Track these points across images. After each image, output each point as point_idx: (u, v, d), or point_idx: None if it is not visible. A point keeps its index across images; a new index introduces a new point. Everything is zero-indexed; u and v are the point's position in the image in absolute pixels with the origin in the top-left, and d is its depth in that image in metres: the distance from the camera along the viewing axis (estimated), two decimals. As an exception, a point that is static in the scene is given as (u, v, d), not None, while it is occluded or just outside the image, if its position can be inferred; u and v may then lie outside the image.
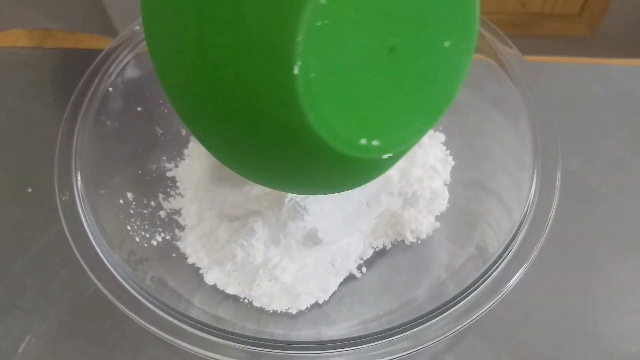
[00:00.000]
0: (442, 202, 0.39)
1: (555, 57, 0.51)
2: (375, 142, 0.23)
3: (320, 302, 0.36)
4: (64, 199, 0.33)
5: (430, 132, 0.42)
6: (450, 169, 0.40)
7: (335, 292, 0.37)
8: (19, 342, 0.37)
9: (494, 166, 0.37)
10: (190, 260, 0.37)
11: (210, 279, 0.36)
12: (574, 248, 0.40)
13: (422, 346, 0.27)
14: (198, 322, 0.29)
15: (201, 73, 0.22)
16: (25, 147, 0.47)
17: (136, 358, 0.36)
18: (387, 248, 0.39)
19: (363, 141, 0.23)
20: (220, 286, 0.36)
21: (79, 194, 0.32)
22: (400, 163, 0.38)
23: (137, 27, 0.39)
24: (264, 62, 0.21)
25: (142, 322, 0.29)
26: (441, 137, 0.41)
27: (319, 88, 0.21)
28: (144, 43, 0.38)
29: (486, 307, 0.28)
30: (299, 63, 0.20)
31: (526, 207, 0.30)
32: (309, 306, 0.36)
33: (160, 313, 0.29)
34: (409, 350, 0.27)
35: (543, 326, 0.37)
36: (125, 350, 0.37)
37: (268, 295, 0.35)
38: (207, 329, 0.29)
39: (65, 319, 0.38)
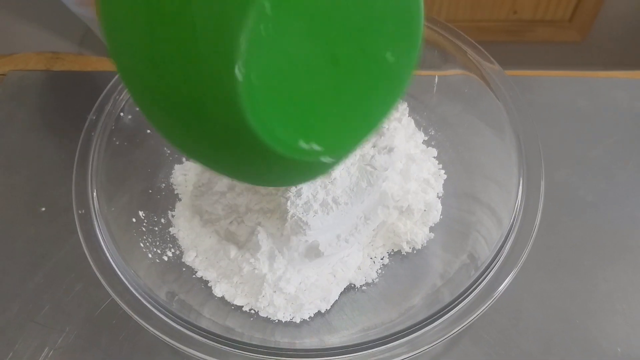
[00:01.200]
0: (436, 214, 0.41)
1: (541, 71, 0.53)
2: (315, 146, 0.24)
3: (323, 311, 0.38)
4: (80, 212, 0.35)
5: (423, 146, 0.44)
6: (442, 182, 0.42)
7: (336, 302, 0.39)
8: (37, 355, 0.39)
9: (483, 177, 0.39)
10: (199, 274, 0.39)
11: (218, 291, 0.38)
12: (563, 255, 0.42)
13: (418, 351, 0.29)
14: (208, 331, 0.31)
15: (151, 64, 0.23)
16: (37, 167, 0.49)
17: (150, 367, 0.38)
18: (385, 259, 0.41)
19: (303, 144, 0.24)
20: (228, 298, 0.38)
21: (95, 211, 0.34)
22: (396, 177, 0.40)
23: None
24: (209, 61, 0.21)
25: (156, 332, 0.31)
26: (434, 151, 0.44)
27: (260, 91, 0.22)
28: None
29: (479, 312, 0.30)
30: (240, 67, 0.20)
31: (513, 215, 0.33)
32: (312, 315, 0.38)
33: (173, 324, 0.31)
34: (406, 354, 0.29)
35: (533, 330, 0.39)
36: (138, 356, 0.39)
37: (273, 305, 0.37)
38: (217, 338, 0.31)
39: (81, 331, 0.40)
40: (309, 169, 0.28)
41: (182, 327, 0.32)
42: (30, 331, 0.40)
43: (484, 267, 0.31)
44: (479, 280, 0.31)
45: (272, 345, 0.31)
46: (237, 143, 0.24)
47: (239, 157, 0.26)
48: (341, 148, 0.27)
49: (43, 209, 0.46)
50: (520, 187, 0.34)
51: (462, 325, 0.30)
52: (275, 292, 0.37)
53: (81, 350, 0.39)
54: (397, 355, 0.29)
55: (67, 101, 0.53)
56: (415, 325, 0.30)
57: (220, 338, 0.32)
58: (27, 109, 0.52)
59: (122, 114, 0.40)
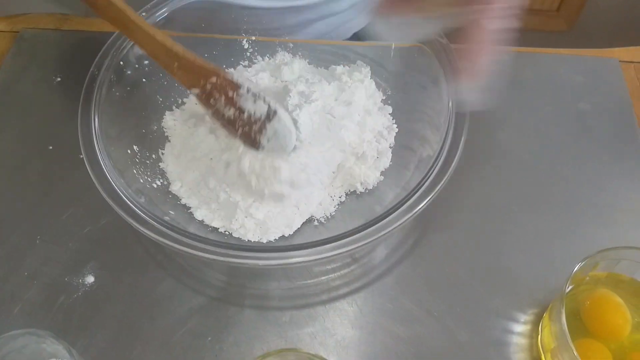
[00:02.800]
0: (386, 161, 0.48)
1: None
2: None
3: (287, 235, 0.45)
4: (84, 138, 0.41)
5: (381, 104, 0.51)
6: (394, 134, 0.49)
7: (298, 229, 0.46)
8: (43, 266, 0.46)
9: (425, 123, 0.47)
10: (183, 201, 0.46)
11: (199, 215, 0.45)
12: (495, 200, 0.49)
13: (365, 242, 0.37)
14: (193, 234, 0.38)
15: None
16: (46, 113, 0.56)
17: (141, 275, 0.46)
18: (342, 197, 0.48)
19: None
20: (206, 221, 0.45)
21: (96, 137, 0.41)
22: (354, 128, 0.47)
23: (144, 14, 0.48)
24: None
25: (150, 233, 0.38)
26: (389, 109, 0.50)
27: None
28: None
29: (401, 222, 0.37)
30: None
31: (440, 147, 0.40)
32: (277, 238, 0.45)
33: (164, 229, 0.38)
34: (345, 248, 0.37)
35: (464, 259, 0.46)
36: (130, 270, 0.46)
37: (244, 228, 0.44)
38: (200, 237, 0.38)
39: (81, 247, 0.47)
40: None
41: (172, 231, 0.38)
42: (38, 247, 0.47)
43: (412, 187, 0.39)
44: (408, 197, 0.38)
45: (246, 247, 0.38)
46: None
47: None
48: None
49: (50, 147, 0.53)
50: (449, 130, 0.41)
51: (387, 231, 0.37)
52: (246, 217, 0.44)
53: (81, 263, 0.46)
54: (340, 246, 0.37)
55: (74, 56, 0.59)
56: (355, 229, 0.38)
57: (202, 240, 0.38)
58: (39, 63, 0.59)
59: (121, 62, 0.46)
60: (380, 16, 0.37)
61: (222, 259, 0.36)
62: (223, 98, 0.42)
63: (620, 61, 0.58)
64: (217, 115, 0.44)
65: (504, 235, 0.48)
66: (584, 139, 0.53)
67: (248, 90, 0.42)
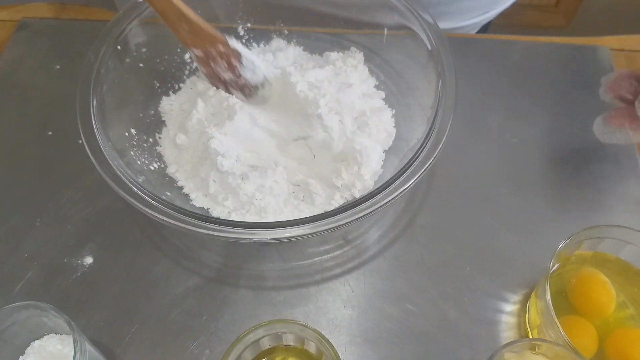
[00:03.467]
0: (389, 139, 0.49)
1: (480, 35, 0.61)
2: None
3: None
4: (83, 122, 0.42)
5: (374, 90, 0.52)
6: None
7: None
8: (42, 248, 0.47)
9: (415, 108, 0.48)
10: (179, 184, 0.47)
11: (194, 197, 0.46)
12: (486, 184, 0.50)
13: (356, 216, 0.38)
14: (193, 212, 0.39)
15: None
16: (46, 99, 0.57)
17: (139, 256, 0.47)
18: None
19: None
20: (202, 205, 0.46)
21: (95, 121, 0.42)
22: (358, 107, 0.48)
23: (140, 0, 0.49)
24: None
25: (151, 212, 0.39)
26: (382, 94, 0.51)
27: None
28: (147, 12, 0.48)
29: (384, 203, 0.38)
30: None
31: (430, 126, 0.41)
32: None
33: (164, 208, 0.39)
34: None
35: (454, 241, 0.47)
36: (127, 252, 0.47)
37: (242, 211, 0.45)
38: (201, 216, 0.39)
39: (80, 229, 0.48)
40: None
41: (171, 209, 0.39)
42: (37, 230, 0.48)
43: (406, 161, 0.40)
44: (402, 172, 0.39)
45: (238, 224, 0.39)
46: None
47: None
48: None
49: (50, 133, 0.54)
50: (437, 112, 0.42)
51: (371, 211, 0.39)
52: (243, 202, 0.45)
53: (80, 245, 0.48)
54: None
55: (72, 44, 0.60)
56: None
57: (202, 216, 0.39)
58: (38, 51, 0.60)
59: (119, 47, 0.47)
60: (608, 123, 0.45)
61: (220, 234, 0.37)
62: (224, 64, 0.45)
63: (611, 49, 0.59)
64: (212, 74, 0.47)
65: (494, 217, 0.49)
66: (572, 124, 0.54)
67: (249, 61, 0.46)
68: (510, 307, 0.45)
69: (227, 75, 0.46)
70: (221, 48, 0.45)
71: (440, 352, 0.43)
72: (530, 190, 0.50)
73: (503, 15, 1.72)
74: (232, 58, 0.45)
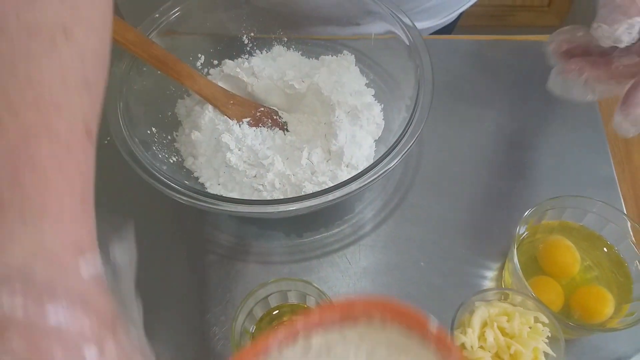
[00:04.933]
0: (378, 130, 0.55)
1: (461, 36, 0.67)
2: None
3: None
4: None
5: (365, 88, 0.58)
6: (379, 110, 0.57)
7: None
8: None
9: (400, 100, 0.54)
10: (195, 175, 0.54)
11: (208, 185, 0.53)
12: (467, 168, 0.57)
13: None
14: (212, 194, 0.46)
15: None
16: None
17: (158, 239, 0.53)
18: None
19: None
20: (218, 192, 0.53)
21: (122, 121, 0.48)
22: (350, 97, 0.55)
23: (156, 15, 0.56)
24: None
25: (174, 194, 0.45)
26: (372, 91, 0.58)
27: None
28: (163, 25, 0.55)
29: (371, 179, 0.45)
30: None
31: (411, 113, 0.48)
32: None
33: (184, 190, 0.45)
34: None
35: (440, 218, 0.54)
36: (150, 234, 0.53)
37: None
38: (215, 195, 0.46)
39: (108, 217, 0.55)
40: None
41: (192, 191, 0.46)
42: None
43: (391, 144, 0.46)
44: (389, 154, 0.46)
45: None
46: None
47: None
48: None
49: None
50: (418, 101, 0.48)
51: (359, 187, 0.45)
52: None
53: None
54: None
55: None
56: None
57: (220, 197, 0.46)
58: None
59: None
60: (563, 74, 0.40)
61: (240, 209, 0.44)
62: (269, 121, 0.55)
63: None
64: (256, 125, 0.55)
65: (474, 195, 0.55)
66: (547, 113, 0.60)
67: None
68: (489, 273, 0.51)
69: (268, 123, 0.55)
70: (262, 109, 0.55)
71: (427, 313, 0.48)
72: (505, 171, 0.56)
73: (496, 17, 1.77)
74: (272, 114, 0.55)
